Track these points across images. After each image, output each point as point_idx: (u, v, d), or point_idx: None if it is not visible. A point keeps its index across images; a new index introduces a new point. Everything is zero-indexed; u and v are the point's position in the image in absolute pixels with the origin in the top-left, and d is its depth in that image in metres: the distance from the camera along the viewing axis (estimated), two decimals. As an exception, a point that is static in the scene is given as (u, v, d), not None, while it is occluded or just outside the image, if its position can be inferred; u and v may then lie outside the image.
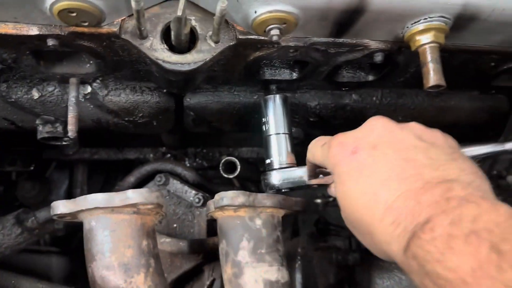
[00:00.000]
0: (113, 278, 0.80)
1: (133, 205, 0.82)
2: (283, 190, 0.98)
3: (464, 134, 1.43)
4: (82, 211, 0.83)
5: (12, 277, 1.20)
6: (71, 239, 1.66)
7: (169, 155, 1.80)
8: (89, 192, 1.74)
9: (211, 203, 0.91)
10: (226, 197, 0.86)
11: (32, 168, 1.73)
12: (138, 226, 0.84)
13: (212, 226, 1.34)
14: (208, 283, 1.26)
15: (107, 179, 1.92)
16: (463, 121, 1.28)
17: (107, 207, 0.81)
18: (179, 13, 0.75)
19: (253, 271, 0.86)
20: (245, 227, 0.88)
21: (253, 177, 1.71)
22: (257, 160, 1.83)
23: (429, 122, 1.26)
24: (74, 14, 0.75)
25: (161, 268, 0.86)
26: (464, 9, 0.83)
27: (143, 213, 0.84)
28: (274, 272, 0.87)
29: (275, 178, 0.96)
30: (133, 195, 0.81)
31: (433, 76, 0.85)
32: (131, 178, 1.58)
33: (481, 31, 0.90)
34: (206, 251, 1.20)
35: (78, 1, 0.72)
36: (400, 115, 1.22)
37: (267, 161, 1.02)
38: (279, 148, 1.02)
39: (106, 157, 1.76)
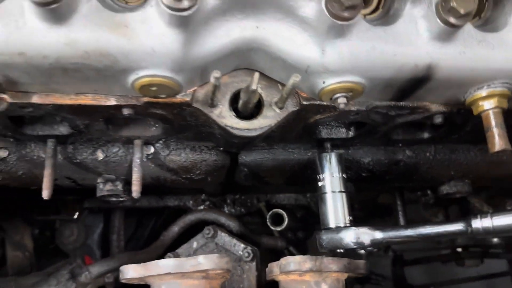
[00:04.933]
0: None
1: (204, 271, 0.82)
2: (339, 251, 0.98)
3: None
4: (152, 276, 0.83)
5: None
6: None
7: (208, 202, 1.81)
8: (126, 236, 1.76)
9: (274, 266, 0.91)
10: (294, 262, 0.86)
11: (75, 217, 1.77)
12: (207, 291, 0.84)
13: (260, 279, 1.34)
14: None
15: (139, 222, 1.94)
16: (516, 175, 1.27)
17: (178, 273, 0.82)
18: (254, 87, 0.78)
19: (320, 338, 0.85)
20: (311, 292, 0.88)
21: (292, 226, 1.71)
22: (294, 207, 1.83)
23: (482, 176, 1.27)
24: (154, 88, 0.79)
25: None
26: (528, 75, 0.84)
27: (211, 278, 0.85)
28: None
29: (342, 238, 0.96)
30: (204, 261, 0.82)
31: (498, 141, 0.85)
32: (175, 228, 1.59)
33: (543, 94, 0.91)
34: (260, 309, 1.19)
35: (161, 77, 0.76)
36: (452, 170, 1.21)
37: (323, 219, 1.02)
38: (335, 207, 1.02)
39: (147, 204, 1.78)
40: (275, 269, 0.91)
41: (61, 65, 0.72)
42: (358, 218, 1.85)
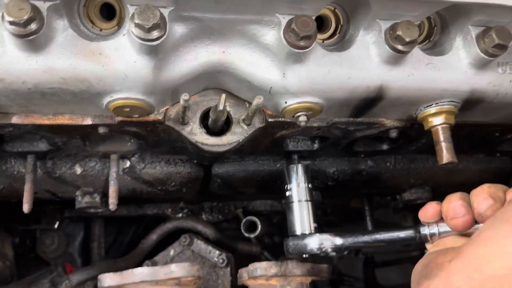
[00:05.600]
0: None
1: (176, 278, 0.89)
2: (305, 256, 1.05)
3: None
4: (128, 284, 0.89)
5: None
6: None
7: (186, 210, 1.86)
8: (106, 244, 1.79)
9: (243, 272, 0.98)
10: (260, 268, 0.93)
11: (56, 226, 1.79)
12: (179, 297, 0.90)
13: (234, 284, 1.40)
14: None
15: (119, 230, 1.98)
16: (471, 181, 1.37)
17: (152, 280, 0.88)
18: (221, 107, 0.85)
19: (285, 337, 0.92)
20: (277, 295, 0.95)
21: (268, 231, 1.78)
22: (270, 213, 1.89)
23: (440, 183, 1.36)
24: (127, 109, 0.85)
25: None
26: (471, 94, 0.93)
27: (184, 285, 0.91)
28: (305, 338, 0.93)
29: (306, 244, 1.03)
30: (176, 269, 0.88)
31: (446, 154, 0.94)
32: (154, 236, 1.64)
33: (486, 110, 1.00)
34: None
35: (133, 100, 0.82)
36: (412, 178, 1.30)
37: (290, 227, 1.10)
38: (301, 215, 1.09)
39: (126, 213, 1.82)
40: (244, 274, 0.98)
41: (40, 89, 0.78)
42: (331, 222, 1.93)
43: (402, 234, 0.91)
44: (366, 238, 0.95)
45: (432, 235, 0.85)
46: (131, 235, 2.02)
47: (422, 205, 1.48)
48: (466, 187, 1.41)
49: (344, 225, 1.93)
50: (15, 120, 0.87)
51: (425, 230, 0.86)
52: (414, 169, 1.28)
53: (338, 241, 0.97)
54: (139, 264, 1.47)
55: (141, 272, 0.88)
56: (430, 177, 1.31)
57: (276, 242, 1.95)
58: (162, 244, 1.58)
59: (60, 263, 1.86)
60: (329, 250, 1.03)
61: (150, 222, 1.85)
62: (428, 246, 0.87)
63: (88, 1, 0.82)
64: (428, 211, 0.86)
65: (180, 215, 1.81)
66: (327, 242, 1.01)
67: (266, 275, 0.93)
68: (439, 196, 1.52)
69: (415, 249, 1.99)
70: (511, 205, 0.70)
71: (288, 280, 0.95)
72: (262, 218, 1.78)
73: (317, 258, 1.08)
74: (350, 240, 0.97)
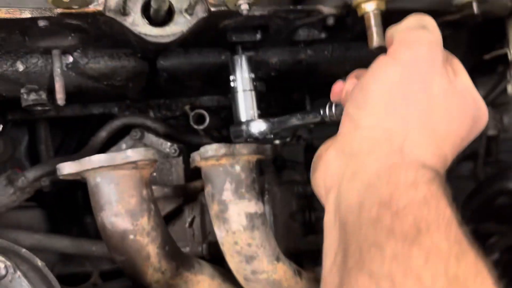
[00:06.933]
0: (122, 223, 0.96)
1: (133, 162, 0.96)
2: (248, 140, 1.16)
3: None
4: (87, 170, 0.96)
5: (11, 232, 1.32)
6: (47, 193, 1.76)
7: (133, 108, 1.88)
8: (53, 147, 1.80)
9: (196, 155, 1.07)
10: (211, 149, 1.02)
11: (0, 129, 1.77)
12: (137, 178, 0.98)
13: (186, 172, 1.51)
14: (189, 220, 1.45)
15: (65, 132, 1.98)
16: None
17: (110, 165, 0.95)
18: (162, -5, 0.85)
19: (236, 206, 1.05)
20: (227, 173, 1.06)
21: (216, 125, 1.87)
22: (218, 108, 1.97)
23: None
24: (66, 0, 0.83)
25: (159, 211, 1.03)
26: (401, -21, 0.99)
27: (141, 168, 0.99)
28: (253, 206, 1.06)
29: (249, 129, 1.13)
30: (132, 154, 0.95)
31: (376, 38, 1.03)
32: (103, 133, 1.67)
33: (413, -5, 1.08)
34: (187, 195, 1.37)
35: (71, -11, 0.81)
36: (347, 66, 1.40)
37: (235, 115, 1.18)
38: (245, 103, 1.18)
39: (71, 113, 1.80)
40: (196, 157, 1.07)
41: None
42: (274, 114, 2.06)
43: (311, 115, 1.05)
44: (293, 120, 1.10)
45: (330, 115, 0.98)
46: (78, 137, 2.03)
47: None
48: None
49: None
50: None
51: (325, 111, 1.00)
52: (349, 56, 1.37)
53: (268, 124, 1.11)
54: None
55: (99, 159, 0.94)
56: (363, 64, 1.41)
57: (224, 135, 2.05)
58: (111, 141, 1.62)
59: (9, 168, 1.86)
60: (268, 133, 1.15)
61: (97, 123, 1.86)
62: None
63: None
64: (333, 89, 0.96)
65: (127, 113, 1.83)
66: (263, 126, 1.13)
67: (216, 155, 1.02)
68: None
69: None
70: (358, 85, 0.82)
71: (236, 159, 1.06)
72: (210, 113, 1.86)
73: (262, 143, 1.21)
74: (278, 123, 1.12)
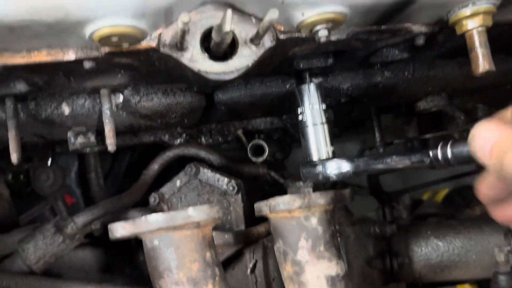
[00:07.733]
0: (183, 293, 0.82)
1: (195, 222, 0.82)
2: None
3: (490, 97, 1.44)
4: (143, 232, 0.82)
5: (61, 283, 1.22)
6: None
7: (184, 134, 1.77)
8: (102, 173, 1.72)
9: (263, 206, 0.92)
10: (283, 202, 0.86)
11: (49, 162, 1.71)
12: (200, 239, 0.84)
13: (245, 210, 1.36)
14: (251, 265, 1.30)
15: (114, 158, 1.91)
16: (490, 86, 1.28)
17: (169, 227, 0.81)
18: (227, 28, 0.71)
19: (314, 268, 0.89)
20: (301, 227, 0.90)
21: (272, 152, 1.71)
22: (271, 130, 1.82)
23: (457, 88, 1.27)
24: (115, 38, 0.70)
25: (224, 275, 0.88)
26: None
27: (203, 226, 0.84)
28: (334, 266, 0.90)
29: (325, 170, 0.96)
30: (194, 213, 0.81)
31: (482, 62, 0.83)
32: (155, 166, 1.56)
33: (525, 5, 0.87)
34: (251, 241, 1.22)
35: (121, 26, 0.68)
36: (430, 86, 1.20)
37: (306, 152, 1.02)
38: (316, 139, 1.01)
39: (121, 143, 1.72)
40: (264, 208, 0.92)
41: (6, 24, 0.63)
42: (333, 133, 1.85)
43: (415, 159, 0.86)
44: (379, 165, 0.91)
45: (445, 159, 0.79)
46: (127, 162, 1.96)
47: (433, 112, 1.40)
48: (484, 91, 1.34)
49: (345, 134, 1.89)
50: (-18, 62, 0.73)
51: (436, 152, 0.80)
52: (433, 76, 1.17)
53: (352, 166, 0.93)
54: (144, 197, 1.41)
55: (157, 220, 0.80)
56: (448, 83, 1.21)
57: (278, 159, 1.90)
58: (164, 173, 1.52)
59: (59, 196, 1.81)
60: (348, 174, 0.98)
61: (147, 148, 1.77)
62: None
63: None
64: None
65: (178, 140, 1.72)
66: (344, 167, 0.95)
67: (289, 209, 0.87)
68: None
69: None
70: None
71: (312, 210, 0.89)
72: (264, 136, 1.71)
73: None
74: (362, 166, 0.93)
